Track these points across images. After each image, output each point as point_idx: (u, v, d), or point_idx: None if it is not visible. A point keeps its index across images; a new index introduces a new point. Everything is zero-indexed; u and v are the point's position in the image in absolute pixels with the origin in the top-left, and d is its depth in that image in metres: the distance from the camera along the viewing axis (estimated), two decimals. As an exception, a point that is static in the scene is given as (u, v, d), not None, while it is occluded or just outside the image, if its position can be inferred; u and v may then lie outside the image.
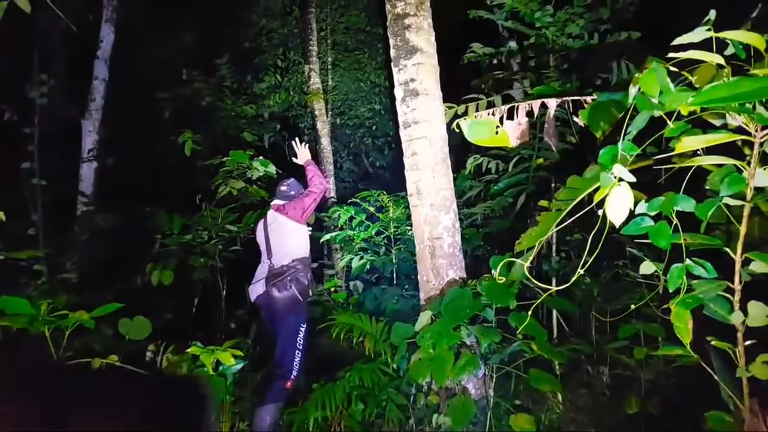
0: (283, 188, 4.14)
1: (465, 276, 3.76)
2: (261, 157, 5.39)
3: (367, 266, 5.69)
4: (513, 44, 4.34)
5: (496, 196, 4.77)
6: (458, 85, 4.73)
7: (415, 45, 3.76)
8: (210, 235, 5.03)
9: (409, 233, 5.75)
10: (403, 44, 3.79)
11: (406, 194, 3.92)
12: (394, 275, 5.80)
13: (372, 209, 5.77)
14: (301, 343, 3.72)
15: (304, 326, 3.79)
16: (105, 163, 6.82)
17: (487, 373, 3.11)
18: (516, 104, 1.76)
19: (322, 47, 10.35)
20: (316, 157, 8.92)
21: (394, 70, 3.87)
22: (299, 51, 10.08)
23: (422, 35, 3.77)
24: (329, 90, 10.58)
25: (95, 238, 5.90)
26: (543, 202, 2.41)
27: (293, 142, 4.33)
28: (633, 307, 2.01)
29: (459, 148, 5.77)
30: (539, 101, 1.76)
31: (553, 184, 4.27)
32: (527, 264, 2.64)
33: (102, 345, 4.14)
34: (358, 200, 5.81)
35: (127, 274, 5.10)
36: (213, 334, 4.94)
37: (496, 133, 1.76)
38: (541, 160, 4.10)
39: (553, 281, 4.25)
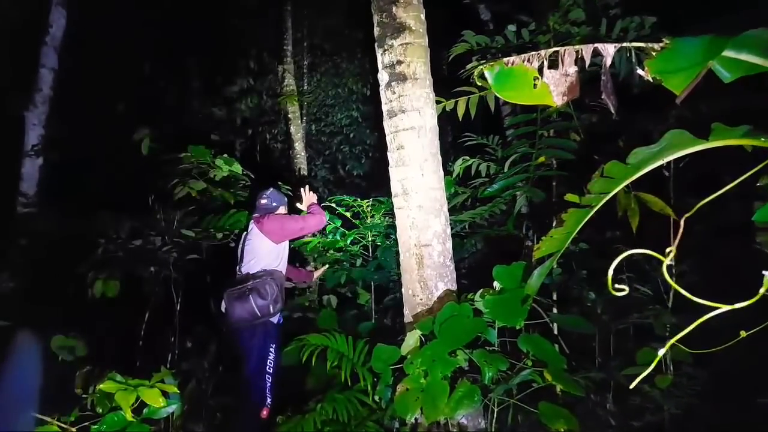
0: (263, 201, 3.83)
1: (456, 289, 3.25)
2: (225, 155, 4.82)
3: (343, 279, 5.15)
4: (511, 27, 3.87)
5: (489, 200, 4.29)
6: (446, 77, 4.24)
7: (402, 22, 3.27)
8: (164, 241, 4.41)
9: (389, 242, 5.24)
10: (389, 21, 3.29)
11: (390, 196, 3.45)
12: (372, 288, 5.28)
13: (348, 214, 5.22)
14: (272, 366, 3.37)
15: (274, 347, 3.44)
16: (50, 160, 6.11)
17: (488, 406, 2.58)
18: (561, 49, 1.25)
19: (298, 49, 9.87)
20: (289, 164, 8.43)
21: (378, 51, 3.37)
22: (273, 53, 9.57)
23: (411, 11, 3.28)
24: (304, 93, 10.08)
25: (33, 243, 5.23)
26: (571, 196, 1.90)
27: (302, 189, 4.13)
28: None
29: (443, 150, 5.33)
30: (591, 47, 1.26)
31: (554, 185, 3.80)
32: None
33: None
34: (332, 204, 5.26)
35: (66, 284, 4.45)
36: (164, 354, 4.31)
37: (534, 86, 1.24)
38: (542, 158, 3.63)
39: (554, 295, 3.76)
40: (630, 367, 3.04)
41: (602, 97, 1.30)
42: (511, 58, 1.29)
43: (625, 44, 1.33)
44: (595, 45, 1.32)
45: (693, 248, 4.14)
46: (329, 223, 5.16)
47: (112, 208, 4.58)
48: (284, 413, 3.22)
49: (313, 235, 5.45)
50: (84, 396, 2.27)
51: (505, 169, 3.90)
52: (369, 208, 5.28)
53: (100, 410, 2.47)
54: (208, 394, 3.92)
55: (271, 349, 3.43)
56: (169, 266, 4.43)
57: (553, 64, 1.30)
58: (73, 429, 2.00)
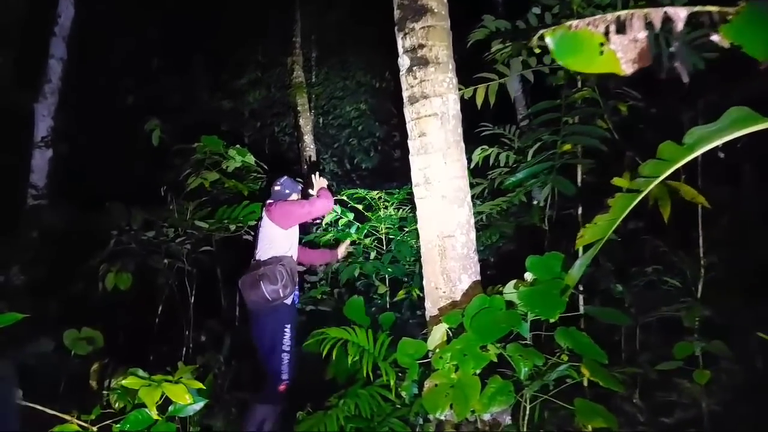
0: (276, 188, 3.88)
1: (480, 280, 3.14)
2: (238, 146, 4.71)
3: (356, 272, 5.04)
4: (535, 10, 3.74)
5: (510, 191, 4.16)
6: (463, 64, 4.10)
7: (424, 4, 3.14)
8: (177, 233, 4.32)
9: (403, 234, 5.12)
10: (410, 3, 3.16)
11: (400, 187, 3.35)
12: (387, 281, 5.16)
13: (360, 207, 5.09)
14: (287, 344, 3.49)
15: (289, 327, 3.54)
16: (60, 151, 6.01)
17: (519, 402, 2.47)
18: (628, 13, 1.14)
19: (306, 41, 9.76)
20: (298, 156, 8.34)
21: (399, 35, 3.25)
22: (281, 44, 9.45)
23: (433, -7, 3.16)
24: (314, 85, 9.98)
25: (44, 236, 5.15)
26: (618, 180, 1.80)
27: (313, 175, 4.11)
28: None
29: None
30: (661, 10, 1.14)
31: (579, 174, 3.66)
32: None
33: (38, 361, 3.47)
34: (345, 198, 5.14)
35: (78, 277, 4.37)
36: (178, 348, 4.23)
37: (601, 53, 1.12)
38: (568, 146, 3.49)
39: (580, 288, 3.63)
40: (664, 362, 2.93)
41: (675, 64, 1.18)
42: (575, 22, 1.17)
43: (698, 8, 1.22)
44: (665, 9, 1.20)
45: (721, 240, 4.03)
46: (341, 217, 5.05)
47: (124, 200, 4.49)
48: (304, 409, 3.13)
49: (326, 229, 5.35)
50: (105, 393, 2.17)
51: (529, 158, 3.77)
52: (381, 200, 5.16)
53: (118, 405, 2.38)
54: (224, 388, 3.84)
55: (285, 329, 3.51)
56: (183, 258, 4.33)
57: (621, 28, 1.19)
58: (94, 428, 1.90)
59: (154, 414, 1.80)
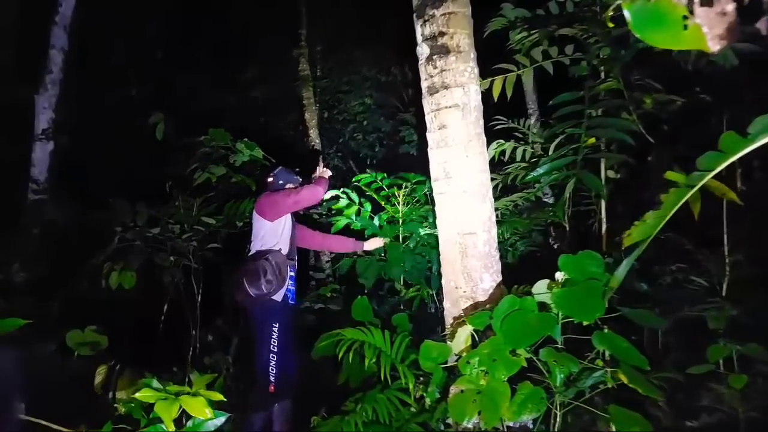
0: (270, 180, 3.74)
1: (502, 280, 3.00)
2: (246, 139, 4.56)
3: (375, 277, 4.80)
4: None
5: (529, 187, 4.02)
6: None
7: (445, -11, 3.00)
8: (183, 229, 4.19)
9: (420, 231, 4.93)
10: (430, -12, 3.02)
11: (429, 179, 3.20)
12: (402, 278, 4.99)
13: (378, 197, 4.78)
14: (276, 344, 3.35)
15: (277, 326, 3.39)
16: (62, 144, 5.87)
17: (550, 409, 2.33)
18: (714, -18, 1.00)
19: (311, 36, 9.61)
20: (304, 150, 8.23)
21: (417, 22, 3.10)
22: (287, 37, 9.30)
23: (454, -23, 3.01)
24: (320, 79, 9.84)
25: (45, 232, 5.02)
26: (672, 174, 1.66)
27: (318, 165, 4.03)
28: None
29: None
30: (751, -21, 1.00)
31: (603, 171, 3.52)
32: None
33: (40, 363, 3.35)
34: (361, 185, 4.85)
35: (81, 275, 4.24)
36: (185, 349, 4.10)
37: (684, 27, 0.99)
38: (593, 140, 3.34)
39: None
40: (695, 366, 2.79)
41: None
42: (655, -8, 1.03)
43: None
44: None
45: (747, 238, 3.89)
46: (354, 204, 4.76)
47: (128, 195, 4.36)
48: (318, 413, 3.00)
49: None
50: (115, 406, 2.04)
51: (550, 152, 3.62)
52: (406, 191, 4.78)
53: (123, 410, 2.24)
54: (233, 390, 3.72)
55: (273, 327, 3.37)
56: (189, 255, 4.20)
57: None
58: (105, 445, 1.76)
59: (170, 430, 1.66)
